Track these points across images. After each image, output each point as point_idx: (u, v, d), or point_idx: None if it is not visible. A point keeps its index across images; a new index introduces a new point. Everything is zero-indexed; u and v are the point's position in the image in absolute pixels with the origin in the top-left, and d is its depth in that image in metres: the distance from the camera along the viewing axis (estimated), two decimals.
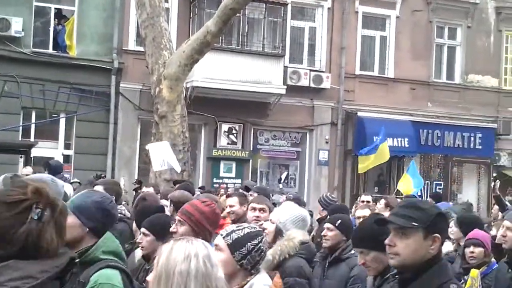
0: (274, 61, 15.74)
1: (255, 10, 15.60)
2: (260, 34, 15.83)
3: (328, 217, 5.09)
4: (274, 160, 17.02)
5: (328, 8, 16.95)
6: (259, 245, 2.75)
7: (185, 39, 12.04)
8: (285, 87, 15.69)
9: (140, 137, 15.12)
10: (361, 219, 5.16)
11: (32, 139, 14.39)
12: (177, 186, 6.82)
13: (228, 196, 5.70)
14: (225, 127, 16.05)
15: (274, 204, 5.54)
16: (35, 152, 12.93)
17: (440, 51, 18.35)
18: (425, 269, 2.40)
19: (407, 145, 16.59)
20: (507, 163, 18.42)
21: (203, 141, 16.04)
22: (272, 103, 16.05)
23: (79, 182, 9.61)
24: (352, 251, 4.03)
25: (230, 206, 5.09)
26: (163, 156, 9.07)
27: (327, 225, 4.38)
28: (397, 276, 2.51)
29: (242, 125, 16.17)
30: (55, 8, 15.19)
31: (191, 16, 15.64)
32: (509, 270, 4.27)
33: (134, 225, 4.40)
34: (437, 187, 17.47)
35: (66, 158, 14.95)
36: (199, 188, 8.71)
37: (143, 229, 3.82)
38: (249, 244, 2.71)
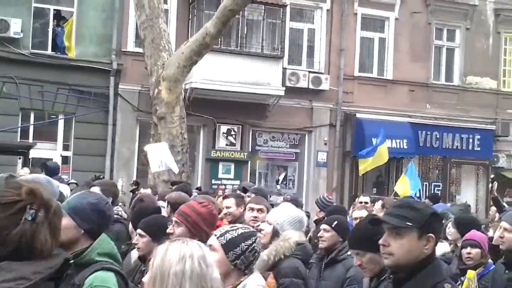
0: (273, 63, 15.75)
1: (254, 12, 15.61)
2: (259, 35, 15.83)
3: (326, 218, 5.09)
4: (273, 161, 17.02)
5: (327, 10, 16.96)
6: (253, 246, 2.76)
7: (184, 41, 12.04)
8: (284, 88, 15.70)
9: (139, 138, 15.12)
10: (358, 220, 5.17)
11: (30, 140, 14.39)
12: (174, 187, 6.82)
13: (224, 197, 5.70)
14: (223, 128, 16.05)
15: (272, 205, 5.54)
16: (33, 153, 12.95)
17: (439, 53, 18.37)
18: (419, 269, 2.40)
19: (405, 147, 16.59)
20: (506, 165, 18.44)
21: (201, 143, 16.04)
22: (271, 105, 16.06)
23: (76, 183, 9.60)
24: (349, 252, 4.03)
25: (227, 207, 5.09)
26: (161, 157, 9.08)
27: (323, 226, 4.38)
28: (391, 276, 2.51)
29: (240, 126, 16.18)
30: (54, 9, 15.19)
31: (190, 17, 15.64)
32: (506, 271, 4.27)
33: (130, 226, 4.39)
34: (436, 188, 17.48)
35: (65, 159, 14.95)
36: (196, 188, 8.70)
37: (139, 230, 3.82)
38: (243, 244, 2.72)
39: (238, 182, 15.17)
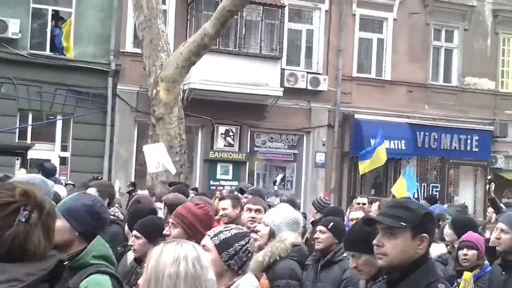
0: (271, 63, 15.76)
1: (253, 13, 15.62)
2: (258, 36, 15.84)
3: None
4: (271, 162, 17.03)
5: (326, 11, 16.97)
6: (246, 246, 2.78)
7: (183, 41, 12.04)
8: (282, 89, 15.70)
9: (137, 139, 15.12)
10: (354, 221, 5.16)
11: (28, 141, 14.39)
12: (171, 188, 6.81)
13: (221, 199, 5.70)
14: (222, 129, 16.05)
15: (269, 206, 5.54)
16: (31, 154, 12.94)
17: (437, 53, 18.39)
18: (413, 269, 2.40)
19: (404, 148, 16.60)
20: (504, 166, 18.44)
21: (200, 143, 16.04)
22: (269, 105, 16.06)
23: (73, 184, 9.58)
24: (345, 254, 4.02)
25: (223, 209, 5.08)
26: (158, 158, 9.07)
27: (319, 227, 4.37)
28: (385, 276, 2.51)
29: (239, 127, 16.18)
30: (52, 10, 15.18)
31: (188, 18, 15.64)
32: (503, 272, 4.27)
33: (126, 227, 4.39)
34: (434, 189, 17.49)
35: (63, 160, 14.95)
36: (192, 189, 8.70)
37: (135, 232, 3.81)
38: (236, 244, 2.73)
39: (236, 183, 15.16)
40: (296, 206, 6.35)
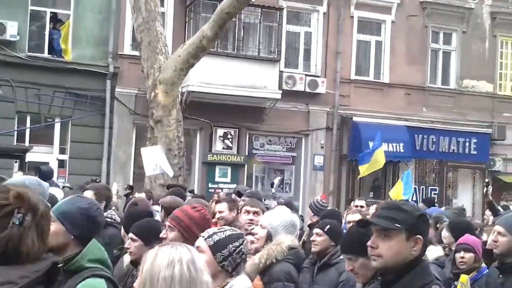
0: (269, 66, 15.77)
1: (251, 15, 15.63)
2: (256, 38, 15.85)
3: None
4: (270, 165, 17.03)
5: (324, 13, 16.99)
6: (240, 247, 2.79)
7: (181, 44, 12.05)
8: (281, 92, 15.71)
9: (136, 141, 15.11)
10: (351, 224, 5.16)
11: (27, 143, 14.37)
12: (169, 191, 6.81)
13: (217, 202, 5.69)
14: (220, 132, 16.05)
15: (267, 209, 5.54)
16: (30, 157, 12.91)
17: (435, 56, 18.41)
18: (407, 270, 2.40)
19: (402, 150, 16.61)
20: (502, 168, 18.45)
21: (198, 146, 16.04)
22: (267, 108, 16.07)
23: (70, 187, 9.56)
24: (341, 256, 4.02)
25: (220, 212, 5.08)
26: (155, 160, 9.07)
27: (316, 230, 4.37)
28: (379, 278, 2.51)
29: (237, 130, 16.18)
30: (51, 12, 15.18)
31: (186, 20, 15.65)
32: (500, 275, 4.26)
33: (122, 230, 4.38)
34: (432, 192, 17.50)
35: (61, 163, 14.94)
36: (189, 191, 8.70)
37: (131, 234, 3.80)
38: (230, 246, 2.74)
39: (235, 185, 15.14)
40: (293, 208, 6.35)
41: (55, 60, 14.72)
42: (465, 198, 18.01)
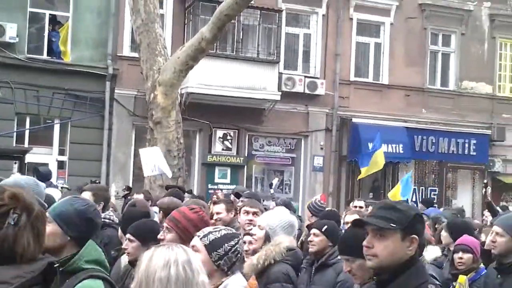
0: (268, 68, 15.78)
1: (250, 17, 15.64)
2: (255, 40, 15.87)
3: None
4: (269, 166, 17.03)
5: (323, 15, 17.00)
6: (235, 247, 2.80)
7: (180, 45, 12.06)
8: (280, 93, 15.72)
9: (135, 143, 15.10)
10: (349, 225, 5.15)
11: (26, 145, 14.37)
12: (167, 191, 6.80)
13: (215, 203, 5.69)
14: (220, 133, 16.05)
15: (266, 209, 5.53)
16: (29, 158, 12.90)
17: (434, 58, 18.42)
18: (403, 270, 2.39)
19: (401, 151, 16.62)
20: (501, 169, 18.45)
21: (198, 147, 16.04)
22: (267, 109, 16.07)
23: (68, 188, 9.55)
24: (339, 257, 4.01)
25: (217, 213, 5.08)
26: (154, 161, 9.07)
27: (313, 230, 4.36)
28: (374, 277, 2.51)
29: (237, 131, 16.18)
30: (50, 14, 15.18)
31: (186, 22, 15.66)
32: (498, 276, 4.26)
33: (120, 231, 4.38)
34: (432, 193, 17.49)
35: (61, 164, 14.94)
36: (187, 192, 8.69)
37: (128, 235, 3.80)
38: (226, 245, 2.75)
39: (234, 186, 15.16)
40: (291, 209, 6.35)
41: (54, 61, 14.72)
42: (465, 199, 18.01)
